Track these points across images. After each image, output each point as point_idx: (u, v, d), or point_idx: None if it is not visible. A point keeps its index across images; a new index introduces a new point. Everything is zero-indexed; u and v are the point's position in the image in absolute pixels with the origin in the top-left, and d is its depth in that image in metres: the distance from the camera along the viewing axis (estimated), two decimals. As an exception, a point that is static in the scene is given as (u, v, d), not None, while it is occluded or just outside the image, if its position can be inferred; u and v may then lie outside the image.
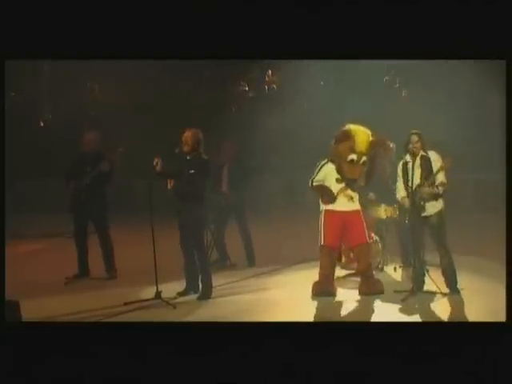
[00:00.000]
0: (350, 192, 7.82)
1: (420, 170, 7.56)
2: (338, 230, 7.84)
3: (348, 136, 7.66)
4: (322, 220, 7.92)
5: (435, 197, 7.50)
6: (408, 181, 7.56)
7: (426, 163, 7.53)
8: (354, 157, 7.64)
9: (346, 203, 7.83)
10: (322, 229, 7.88)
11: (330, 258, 7.86)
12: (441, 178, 7.49)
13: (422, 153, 7.58)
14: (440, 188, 7.45)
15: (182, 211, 7.69)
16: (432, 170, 7.47)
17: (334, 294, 7.81)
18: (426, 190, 7.46)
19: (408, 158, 7.64)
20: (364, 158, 7.71)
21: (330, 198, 7.81)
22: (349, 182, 7.78)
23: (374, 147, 7.76)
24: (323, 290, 7.77)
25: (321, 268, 7.88)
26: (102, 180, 8.88)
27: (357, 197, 7.93)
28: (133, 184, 15.51)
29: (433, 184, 7.44)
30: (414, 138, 7.58)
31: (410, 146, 7.58)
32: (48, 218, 13.85)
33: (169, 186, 7.79)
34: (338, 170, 7.78)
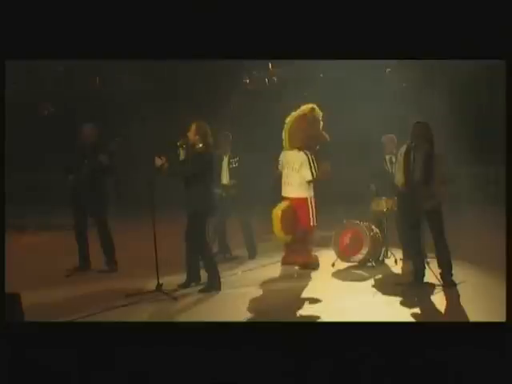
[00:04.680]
0: None
1: (422, 165, 7.35)
2: None
3: None
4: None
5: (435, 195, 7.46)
6: (409, 171, 7.36)
7: (429, 159, 7.32)
8: None
9: None
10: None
11: None
12: (440, 175, 7.35)
13: (426, 146, 7.36)
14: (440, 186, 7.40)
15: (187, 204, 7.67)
16: (432, 167, 7.30)
17: None
18: (430, 190, 7.34)
19: (411, 147, 7.40)
20: None
21: None
22: None
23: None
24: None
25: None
26: (101, 172, 8.85)
27: None
28: (133, 176, 15.51)
29: (434, 183, 7.35)
30: (418, 127, 7.40)
31: (414, 135, 7.38)
32: (48, 211, 13.88)
33: (158, 162, 7.56)
34: None
